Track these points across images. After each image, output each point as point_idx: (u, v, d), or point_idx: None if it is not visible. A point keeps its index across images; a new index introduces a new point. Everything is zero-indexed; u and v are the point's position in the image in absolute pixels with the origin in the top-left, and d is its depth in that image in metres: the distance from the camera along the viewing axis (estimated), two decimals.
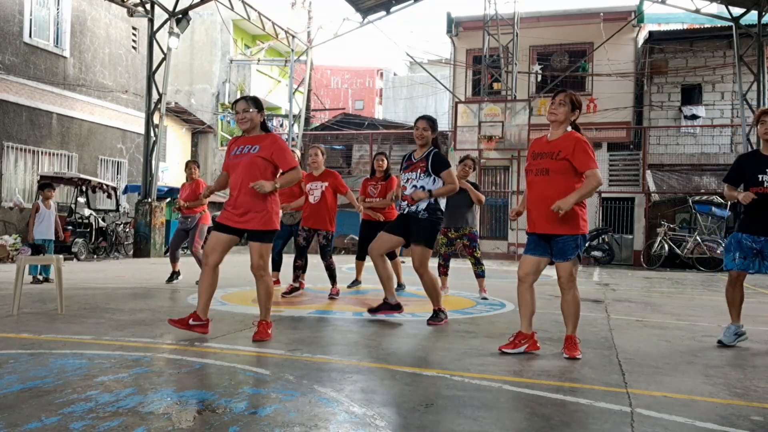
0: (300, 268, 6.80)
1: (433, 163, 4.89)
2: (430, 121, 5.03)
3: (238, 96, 24.29)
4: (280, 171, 4.23)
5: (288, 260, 7.53)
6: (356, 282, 7.77)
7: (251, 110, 4.19)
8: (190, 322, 4.21)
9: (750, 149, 14.49)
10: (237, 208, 4.12)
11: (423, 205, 4.88)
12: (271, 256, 7.50)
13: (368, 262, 8.07)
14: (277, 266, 7.47)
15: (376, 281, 7.80)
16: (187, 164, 8.17)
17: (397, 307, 5.31)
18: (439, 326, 4.95)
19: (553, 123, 3.95)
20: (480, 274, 6.92)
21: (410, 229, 4.95)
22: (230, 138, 25.07)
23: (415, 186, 4.92)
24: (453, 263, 7.48)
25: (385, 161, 7.43)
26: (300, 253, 6.75)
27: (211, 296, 4.30)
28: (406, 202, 4.98)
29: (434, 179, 4.90)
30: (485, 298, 6.78)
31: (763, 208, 4.30)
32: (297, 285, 6.81)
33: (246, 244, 4.23)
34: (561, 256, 3.85)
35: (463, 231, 6.85)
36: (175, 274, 8.04)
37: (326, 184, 6.60)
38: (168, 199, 15.22)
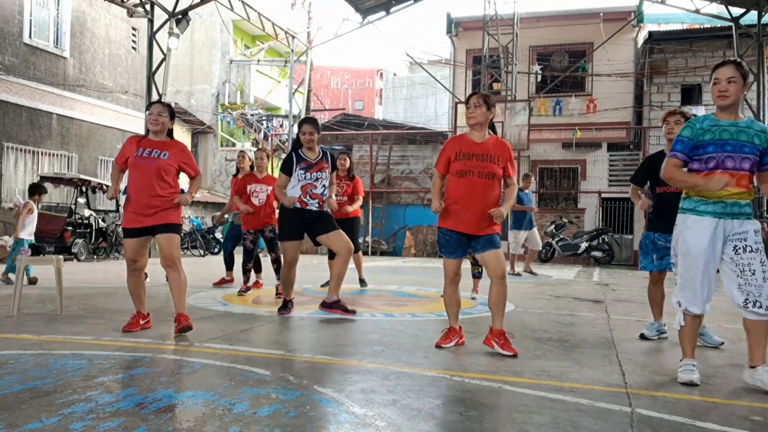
0: (250, 271, 7.08)
1: (332, 163, 5.46)
2: (315, 124, 5.39)
3: (238, 96, 24.33)
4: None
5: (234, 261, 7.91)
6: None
7: (164, 116, 4.40)
8: (141, 322, 4.49)
9: None
10: (147, 209, 4.29)
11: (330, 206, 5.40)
12: (223, 256, 7.66)
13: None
14: (230, 266, 7.79)
15: (379, 282, 7.79)
16: None
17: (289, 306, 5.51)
18: (429, 327, 5.08)
19: (475, 126, 4.01)
20: (477, 275, 6.87)
21: (325, 222, 5.29)
22: (229, 138, 25.01)
23: (324, 185, 5.31)
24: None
25: (348, 160, 7.71)
26: (249, 256, 7.02)
27: (145, 294, 4.59)
28: (317, 201, 5.24)
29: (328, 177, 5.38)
30: (474, 298, 6.72)
31: (672, 207, 4.33)
32: (250, 286, 7.06)
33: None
34: (491, 245, 3.96)
35: None
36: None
37: (271, 188, 6.83)
38: None
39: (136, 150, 4.36)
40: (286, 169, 5.29)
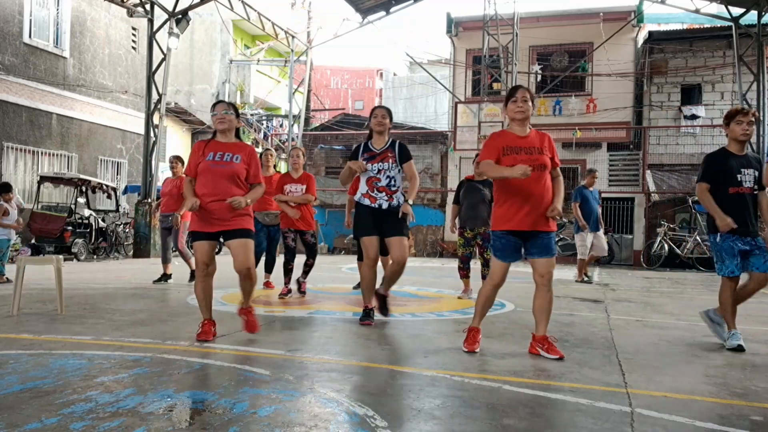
0: (292, 271, 6.81)
1: (401, 153, 4.97)
2: (389, 110, 5.12)
3: (238, 96, 24.32)
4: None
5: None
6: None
7: (231, 113, 4.31)
8: (213, 329, 4.26)
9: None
10: (220, 215, 4.16)
11: (401, 199, 4.94)
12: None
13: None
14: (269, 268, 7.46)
15: (379, 282, 7.77)
16: (171, 159, 8.10)
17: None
18: (429, 327, 4.98)
19: (521, 120, 3.92)
20: (486, 277, 6.79)
21: (392, 223, 4.92)
22: None
23: (389, 177, 4.91)
24: (456, 264, 7.44)
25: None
26: (291, 254, 6.83)
27: (212, 299, 4.35)
28: (384, 194, 4.89)
29: (399, 169, 4.97)
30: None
31: (745, 208, 4.30)
32: (291, 288, 6.81)
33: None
34: (547, 252, 3.86)
35: (478, 230, 6.74)
36: (165, 276, 7.96)
37: (305, 186, 6.71)
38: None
39: (206, 154, 4.23)
40: (353, 157, 5.08)
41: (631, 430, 2.50)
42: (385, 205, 4.90)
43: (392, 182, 4.92)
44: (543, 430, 2.49)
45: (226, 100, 24.15)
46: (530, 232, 3.84)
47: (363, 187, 4.97)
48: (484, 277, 6.81)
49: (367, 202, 4.95)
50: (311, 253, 6.86)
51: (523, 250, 3.96)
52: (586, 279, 9.82)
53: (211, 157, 4.21)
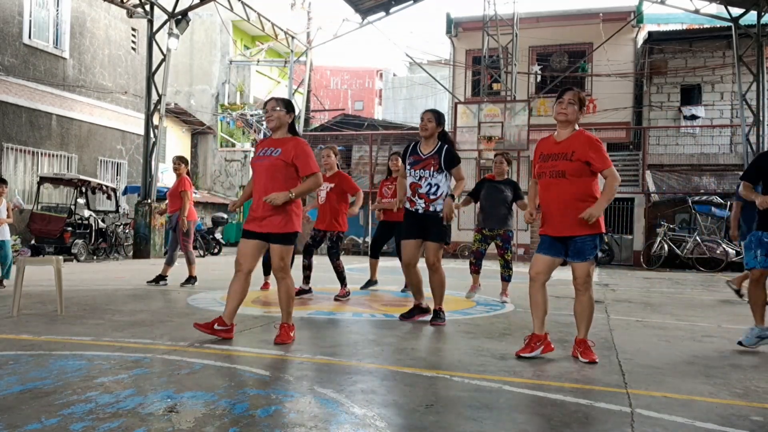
0: (307, 268, 6.74)
1: (446, 159, 4.88)
2: (436, 114, 5.00)
3: (238, 97, 24.35)
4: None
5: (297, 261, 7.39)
6: (371, 282, 7.59)
7: (278, 109, 4.16)
8: (216, 326, 4.17)
9: (750, 149, 14.58)
10: (258, 212, 4.09)
11: (440, 206, 4.87)
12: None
13: (382, 262, 8.09)
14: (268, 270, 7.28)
15: (379, 282, 7.77)
16: (174, 160, 8.10)
17: (427, 311, 5.24)
18: (439, 326, 4.94)
19: (563, 123, 3.85)
20: (506, 278, 6.77)
21: (429, 228, 4.91)
22: (229, 138, 25.04)
23: (430, 184, 4.86)
24: (457, 264, 7.43)
25: (400, 161, 7.42)
26: (307, 252, 6.73)
27: (240, 302, 4.21)
28: (423, 201, 4.87)
29: (446, 175, 4.89)
30: (505, 302, 6.62)
31: None
32: (306, 288, 6.77)
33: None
34: (579, 256, 3.80)
35: (497, 231, 6.71)
36: (160, 278, 7.79)
37: (332, 185, 6.59)
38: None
39: (257, 152, 4.18)
40: (402, 156, 5.10)
41: (631, 430, 2.50)
42: (421, 210, 4.91)
43: (432, 189, 4.86)
44: (543, 430, 2.49)
45: (226, 101, 24.18)
46: (565, 237, 3.79)
47: (408, 191, 4.99)
48: (503, 279, 6.80)
49: (407, 205, 4.98)
50: (329, 256, 6.72)
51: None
52: (739, 291, 8.01)
53: (258, 154, 4.18)
